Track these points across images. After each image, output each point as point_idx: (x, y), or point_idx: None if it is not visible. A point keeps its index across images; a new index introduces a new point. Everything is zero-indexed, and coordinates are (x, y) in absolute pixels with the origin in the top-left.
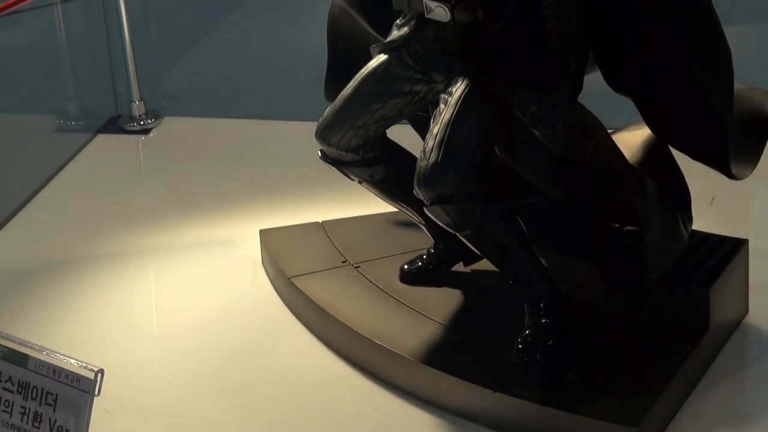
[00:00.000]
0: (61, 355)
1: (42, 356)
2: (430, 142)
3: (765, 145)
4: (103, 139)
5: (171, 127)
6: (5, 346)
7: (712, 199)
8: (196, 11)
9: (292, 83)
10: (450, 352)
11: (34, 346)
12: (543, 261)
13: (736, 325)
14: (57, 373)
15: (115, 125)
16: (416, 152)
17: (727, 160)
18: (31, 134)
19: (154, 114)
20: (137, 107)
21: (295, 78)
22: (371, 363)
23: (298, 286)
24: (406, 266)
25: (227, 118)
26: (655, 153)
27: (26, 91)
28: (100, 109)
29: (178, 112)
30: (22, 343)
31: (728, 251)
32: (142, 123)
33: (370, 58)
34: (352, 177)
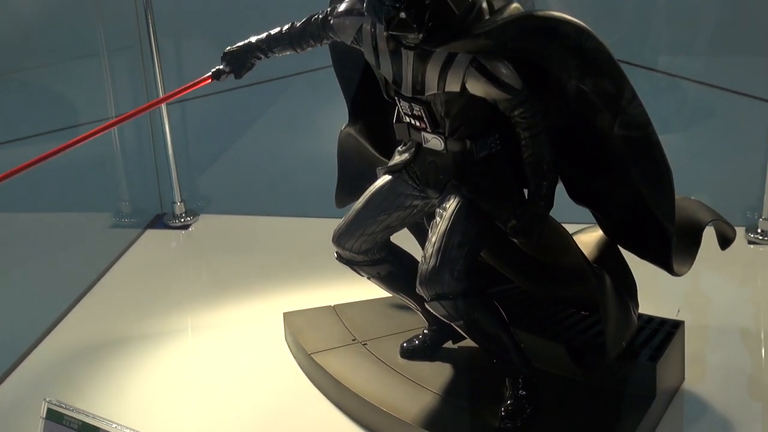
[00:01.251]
0: (127, 427)
1: (110, 428)
2: (430, 249)
3: (699, 247)
4: (151, 234)
5: (207, 223)
6: (80, 420)
7: (678, 310)
8: (225, 123)
9: (310, 186)
10: (443, 418)
11: (103, 420)
12: (521, 343)
13: (675, 391)
14: None
15: (160, 222)
16: (414, 252)
17: (671, 261)
18: (92, 230)
19: (193, 212)
20: (178, 207)
21: (312, 181)
22: (379, 426)
23: (317, 361)
24: (405, 344)
25: (254, 215)
26: (608, 252)
27: (87, 193)
28: (148, 209)
29: (213, 211)
30: (95, 417)
31: (669, 331)
32: (182, 220)
33: (375, 177)
34: (362, 274)
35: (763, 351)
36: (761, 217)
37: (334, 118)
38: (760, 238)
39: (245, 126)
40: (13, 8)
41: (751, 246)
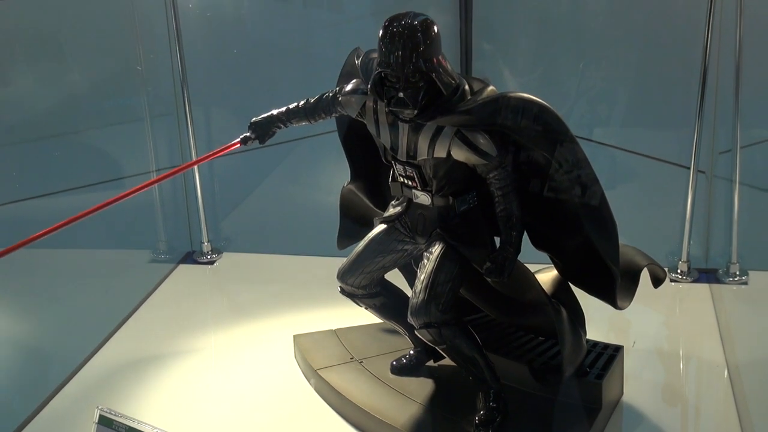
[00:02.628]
0: (161, 430)
1: None
2: (419, 286)
3: (637, 286)
4: (183, 268)
5: (229, 260)
6: (126, 425)
7: (633, 342)
8: (245, 177)
9: (314, 230)
10: (426, 425)
11: (147, 425)
12: (492, 363)
13: (616, 403)
14: None
15: (190, 258)
16: (404, 287)
17: (615, 297)
18: (134, 264)
19: (217, 251)
20: (205, 246)
21: (316, 226)
22: (374, 430)
23: (321, 376)
24: (394, 362)
25: (269, 254)
26: (561, 288)
27: (131, 233)
28: (180, 247)
29: (234, 249)
30: (139, 422)
31: (611, 354)
32: (209, 257)
33: (372, 225)
34: (360, 304)
35: (681, 367)
36: (680, 260)
37: (333, 174)
38: (680, 277)
39: (260, 180)
40: (70, 79)
41: (672, 283)
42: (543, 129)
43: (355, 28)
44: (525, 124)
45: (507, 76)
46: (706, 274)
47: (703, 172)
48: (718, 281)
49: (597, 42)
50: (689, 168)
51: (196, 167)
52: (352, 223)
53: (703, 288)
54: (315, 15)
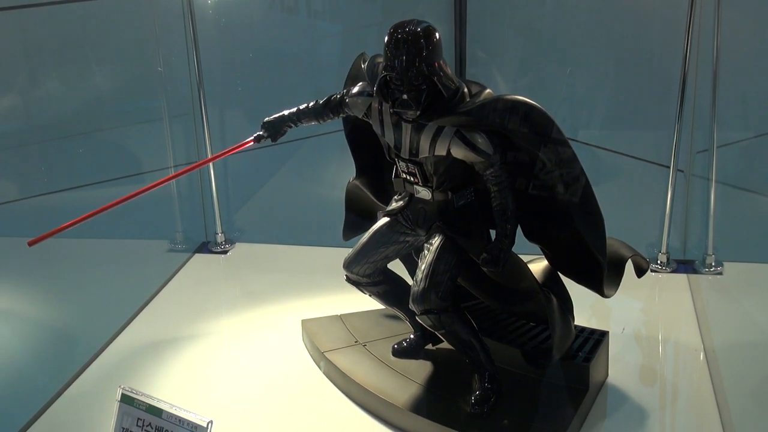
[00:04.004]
0: (184, 409)
1: (171, 410)
2: (420, 275)
3: (623, 275)
4: (198, 258)
5: (241, 250)
6: (146, 403)
7: (623, 329)
8: (256, 172)
9: (321, 222)
10: (426, 403)
11: (166, 403)
12: (487, 347)
13: (602, 384)
14: (181, 422)
15: (206, 248)
16: (405, 276)
17: (602, 286)
18: (153, 253)
19: (231, 241)
20: (220, 237)
21: (323, 218)
22: (377, 409)
23: (328, 358)
24: (395, 345)
25: (279, 244)
26: (552, 277)
27: (150, 224)
28: (196, 237)
29: (246, 240)
30: (158, 400)
31: (598, 339)
32: (223, 247)
33: (375, 218)
34: (365, 292)
35: (661, 351)
36: (660, 252)
37: (338, 170)
38: (659, 267)
39: (270, 175)
40: (95, 82)
41: (653, 273)
42: (531, 128)
43: (355, 38)
44: (515, 124)
45: (499, 81)
46: (684, 265)
47: (682, 171)
48: (695, 271)
49: (581, 49)
50: (669, 167)
51: (211, 163)
52: (357, 216)
53: (681, 278)
54: (319, 25)
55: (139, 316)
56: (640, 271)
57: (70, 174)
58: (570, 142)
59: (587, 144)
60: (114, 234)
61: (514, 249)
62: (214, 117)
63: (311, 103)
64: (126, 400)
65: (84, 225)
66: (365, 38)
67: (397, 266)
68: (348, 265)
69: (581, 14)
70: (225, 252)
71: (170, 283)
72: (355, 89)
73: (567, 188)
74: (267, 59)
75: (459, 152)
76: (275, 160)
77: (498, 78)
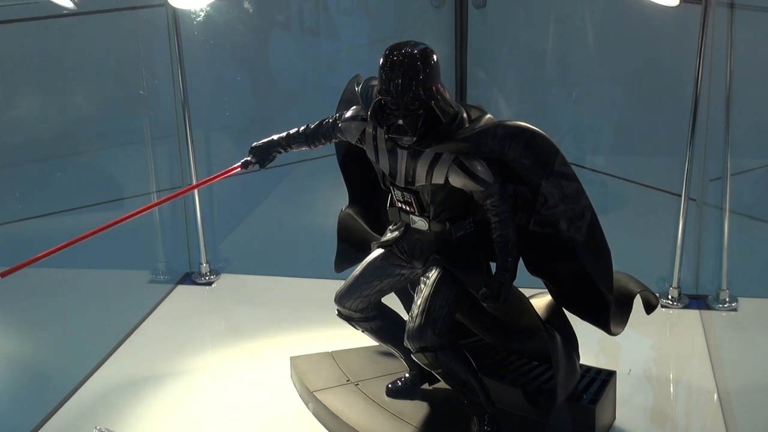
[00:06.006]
0: None
1: None
2: (416, 310)
3: (631, 312)
4: (181, 289)
5: (227, 281)
6: None
7: (630, 370)
8: (242, 199)
9: (311, 252)
10: None
11: None
12: (487, 387)
13: (608, 429)
14: None
15: (189, 279)
16: (400, 311)
17: (609, 323)
18: (132, 284)
19: (216, 272)
20: (204, 267)
21: (313, 249)
22: None
23: (318, 397)
24: (390, 385)
25: (266, 275)
26: (555, 313)
27: (130, 253)
28: (179, 268)
29: (232, 271)
30: None
31: (604, 379)
32: (207, 278)
33: (369, 249)
34: (357, 327)
35: (672, 392)
36: (671, 286)
37: (330, 197)
38: (670, 303)
39: (258, 202)
40: (74, 101)
41: (663, 309)
42: (533, 157)
43: (351, 57)
44: (516, 152)
45: (501, 104)
46: (696, 301)
47: (694, 200)
48: (708, 307)
49: (588, 70)
50: (680, 195)
51: (195, 190)
52: (350, 247)
53: (693, 314)
54: (312, 43)
55: (117, 351)
56: (649, 307)
57: (46, 199)
58: (575, 168)
59: (594, 171)
60: (92, 264)
61: (515, 283)
62: (199, 140)
63: (302, 128)
64: None
65: (60, 254)
66: (361, 58)
67: (392, 300)
68: (340, 298)
69: (587, 34)
70: (209, 283)
71: (151, 317)
72: (349, 113)
73: (571, 224)
74: (256, 79)
75: (457, 181)
76: (263, 186)
77: (500, 101)
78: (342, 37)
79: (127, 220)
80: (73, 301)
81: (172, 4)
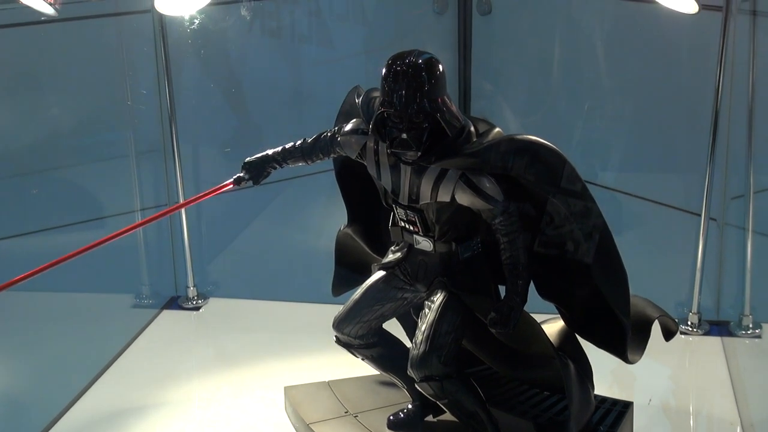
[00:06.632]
0: None
1: None
2: (420, 336)
3: (649, 338)
4: (167, 314)
5: (216, 306)
6: None
7: (650, 400)
8: (232, 218)
9: (305, 274)
10: None
11: None
12: (495, 419)
13: None
14: None
15: (175, 304)
16: (402, 337)
17: (626, 351)
18: (115, 309)
19: (203, 296)
20: (191, 291)
21: (307, 271)
22: None
23: (314, 430)
24: (392, 417)
25: (258, 299)
26: (568, 340)
27: (112, 276)
28: (165, 292)
29: (221, 295)
30: None
31: (621, 411)
32: (194, 303)
33: (369, 271)
34: (357, 355)
35: (692, 424)
36: (690, 312)
37: (325, 215)
38: (690, 329)
39: (249, 221)
40: (52, 113)
41: (682, 336)
42: (545, 174)
43: (347, 66)
44: (526, 168)
45: (508, 117)
46: (717, 327)
47: (715, 219)
48: (730, 334)
49: (600, 82)
50: (700, 215)
51: (183, 209)
52: (349, 269)
53: (714, 341)
54: (306, 52)
55: (98, 380)
56: (668, 334)
57: (22, 218)
58: (587, 185)
59: (607, 188)
60: (71, 288)
61: (526, 308)
62: (187, 155)
63: (298, 142)
64: None
65: (37, 278)
66: (358, 67)
67: (394, 326)
68: (338, 324)
69: (598, 42)
70: (197, 308)
71: (134, 344)
72: (349, 127)
73: (579, 246)
74: (248, 91)
75: (464, 198)
76: (255, 204)
77: (507, 113)
78: (336, 45)
79: (110, 241)
80: (51, 327)
81: (158, 10)
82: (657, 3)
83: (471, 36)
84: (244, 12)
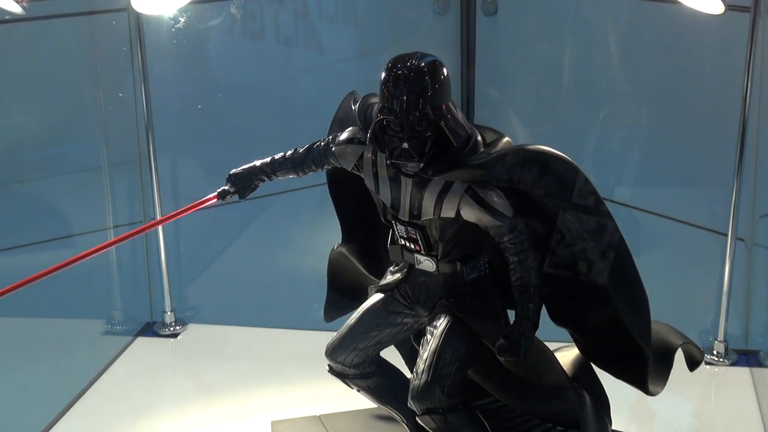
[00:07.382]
0: None
1: None
2: (421, 365)
3: (671, 368)
4: (141, 341)
5: (194, 332)
6: None
7: None
8: (212, 237)
9: (291, 298)
10: None
11: None
12: None
13: None
14: None
15: (151, 330)
16: (402, 367)
17: (646, 382)
18: (84, 336)
19: (181, 322)
20: (168, 316)
21: (294, 294)
22: None
23: None
24: None
25: (240, 326)
26: (584, 370)
27: (81, 300)
28: (139, 317)
29: (200, 320)
30: None
31: None
32: (172, 329)
33: (365, 294)
34: (352, 386)
35: None
36: (716, 340)
37: (314, 234)
38: (716, 359)
39: (232, 240)
40: (15, 121)
41: (707, 366)
42: (558, 188)
43: (338, 71)
44: (538, 181)
45: (516, 126)
46: (745, 357)
47: (742, 240)
48: (759, 364)
49: (615, 89)
50: (726, 234)
51: (159, 226)
52: (343, 291)
53: (742, 372)
54: (294, 56)
55: (67, 413)
56: (693, 363)
57: None
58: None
59: (623, 204)
60: (37, 312)
61: (537, 334)
62: (164, 166)
63: (289, 153)
64: None
65: None
66: (349, 72)
67: (391, 354)
68: (332, 352)
69: (613, 45)
70: (175, 335)
71: (106, 374)
72: (344, 136)
73: (592, 267)
74: (230, 97)
75: (471, 214)
76: (237, 221)
77: (514, 122)
78: (326, 49)
79: (79, 262)
80: (13, 356)
81: (135, 8)
82: (678, 2)
83: (475, 38)
84: (233, 10)
